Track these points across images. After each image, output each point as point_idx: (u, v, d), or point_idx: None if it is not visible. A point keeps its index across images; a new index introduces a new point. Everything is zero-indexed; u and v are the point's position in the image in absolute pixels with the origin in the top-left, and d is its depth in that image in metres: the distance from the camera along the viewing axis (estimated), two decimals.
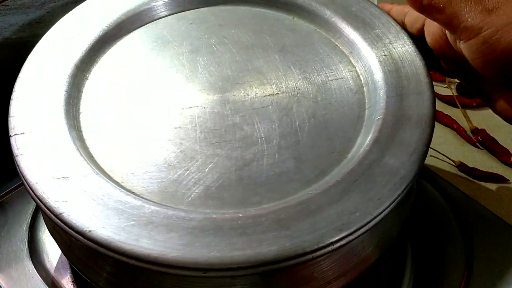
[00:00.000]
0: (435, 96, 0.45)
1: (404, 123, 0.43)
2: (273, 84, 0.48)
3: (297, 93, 0.47)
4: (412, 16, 0.48)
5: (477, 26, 0.37)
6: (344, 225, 0.37)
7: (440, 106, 0.74)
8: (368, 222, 0.37)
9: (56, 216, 0.38)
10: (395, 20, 0.50)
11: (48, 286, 0.53)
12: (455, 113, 0.73)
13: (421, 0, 0.40)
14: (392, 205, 0.38)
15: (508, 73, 0.38)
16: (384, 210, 0.38)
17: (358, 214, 0.37)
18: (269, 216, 0.37)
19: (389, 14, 0.51)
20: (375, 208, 0.38)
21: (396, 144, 0.41)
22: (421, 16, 0.46)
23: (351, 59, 0.50)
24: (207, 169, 0.42)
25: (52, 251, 0.57)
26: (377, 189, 0.39)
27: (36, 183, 0.39)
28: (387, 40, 0.49)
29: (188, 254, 0.36)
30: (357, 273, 0.43)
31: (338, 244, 0.36)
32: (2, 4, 0.54)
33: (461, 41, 0.39)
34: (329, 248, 0.36)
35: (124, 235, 0.36)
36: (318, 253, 0.36)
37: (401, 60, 0.47)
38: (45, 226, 0.56)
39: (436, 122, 0.44)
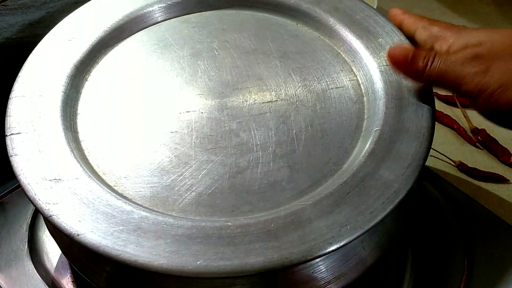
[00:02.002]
0: (435, 108, 0.44)
1: (402, 135, 0.42)
2: (272, 91, 0.47)
3: (296, 101, 0.46)
4: (422, 36, 0.47)
5: (476, 89, 0.41)
6: (334, 238, 0.36)
7: (440, 106, 0.73)
8: (359, 236, 0.36)
9: (46, 218, 0.38)
10: (405, 33, 0.49)
11: (48, 286, 0.53)
12: (455, 113, 0.72)
13: (420, 74, 0.43)
14: (384, 219, 0.37)
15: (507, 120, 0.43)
16: (375, 224, 0.37)
17: (348, 227, 0.37)
18: (258, 226, 0.37)
19: (400, 26, 0.50)
20: (366, 222, 0.37)
21: (392, 157, 0.41)
22: (431, 40, 0.46)
23: (353, 67, 0.49)
24: (200, 175, 0.42)
25: (52, 251, 0.57)
26: (370, 202, 0.38)
27: (28, 184, 0.39)
28: None
29: (175, 262, 0.35)
30: (357, 273, 0.42)
31: (327, 255, 0.36)
32: (2, 4, 0.54)
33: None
34: (317, 260, 0.36)
35: (112, 240, 0.36)
36: (306, 265, 0.36)
37: None
38: (45, 226, 0.56)
39: (436, 123, 0.44)
